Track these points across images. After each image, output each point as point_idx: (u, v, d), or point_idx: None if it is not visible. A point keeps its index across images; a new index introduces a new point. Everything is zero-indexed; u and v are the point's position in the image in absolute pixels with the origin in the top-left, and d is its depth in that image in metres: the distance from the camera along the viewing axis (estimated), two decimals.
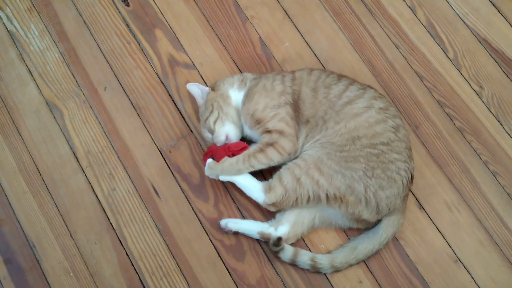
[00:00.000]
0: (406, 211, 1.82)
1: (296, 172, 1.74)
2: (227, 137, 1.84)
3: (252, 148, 1.80)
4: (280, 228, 1.79)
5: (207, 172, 1.82)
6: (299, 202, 1.75)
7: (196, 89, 1.90)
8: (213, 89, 1.89)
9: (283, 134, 1.79)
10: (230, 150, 1.79)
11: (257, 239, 1.82)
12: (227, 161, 1.80)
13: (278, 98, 1.82)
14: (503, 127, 1.96)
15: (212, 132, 1.85)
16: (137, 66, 2.06)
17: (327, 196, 1.73)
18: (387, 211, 1.75)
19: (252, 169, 1.80)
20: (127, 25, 2.12)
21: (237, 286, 1.79)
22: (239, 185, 1.82)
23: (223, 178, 1.81)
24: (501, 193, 1.88)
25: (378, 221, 1.79)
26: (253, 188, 1.80)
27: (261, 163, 1.79)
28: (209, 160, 1.82)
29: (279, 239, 1.74)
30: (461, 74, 2.04)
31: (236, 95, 1.88)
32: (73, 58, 2.08)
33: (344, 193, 1.72)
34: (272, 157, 1.78)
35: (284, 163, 1.80)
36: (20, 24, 2.13)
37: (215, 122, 1.84)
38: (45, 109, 2.01)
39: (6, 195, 1.91)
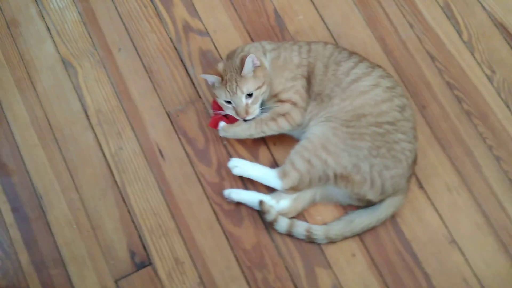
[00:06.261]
0: (408, 192, 1.83)
1: (306, 155, 1.76)
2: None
3: (265, 115, 1.84)
4: (282, 201, 1.81)
5: (221, 133, 1.87)
6: (313, 182, 1.78)
7: (250, 62, 1.77)
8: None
9: (295, 105, 1.82)
10: None
11: None
12: (241, 125, 1.84)
13: (295, 70, 1.84)
14: (511, 113, 1.95)
15: (253, 100, 1.80)
16: (152, 30, 2.10)
17: (335, 175, 1.75)
18: (391, 191, 1.76)
19: (263, 135, 1.85)
20: None
21: (232, 250, 1.83)
22: (254, 178, 1.86)
23: (237, 172, 1.84)
24: (503, 178, 1.88)
25: (379, 200, 1.80)
26: (268, 177, 1.83)
27: (271, 130, 1.83)
28: (222, 123, 1.86)
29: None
30: (474, 57, 2.02)
31: None
32: (90, 18, 2.12)
33: (350, 172, 1.74)
34: (282, 126, 1.82)
35: (292, 133, 1.86)
36: None
37: (262, 94, 1.82)
38: (60, 67, 2.07)
39: (18, 147, 1.98)
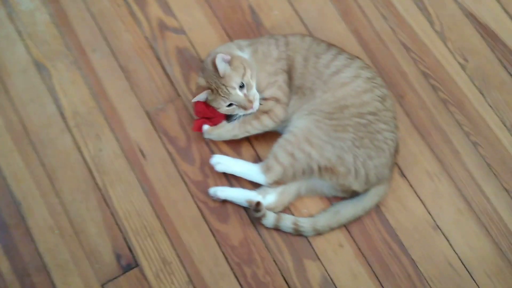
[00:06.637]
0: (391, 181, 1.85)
1: (289, 148, 1.77)
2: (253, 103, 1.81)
3: (248, 115, 1.83)
4: (268, 196, 1.81)
5: (205, 136, 1.87)
6: (297, 175, 1.79)
7: (220, 61, 1.76)
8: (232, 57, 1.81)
9: (278, 102, 1.82)
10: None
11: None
12: (225, 126, 1.84)
13: (276, 64, 1.84)
14: (486, 100, 2.00)
15: (248, 87, 1.78)
16: (127, 29, 2.07)
17: (319, 167, 1.76)
18: (375, 181, 1.79)
19: (247, 135, 1.85)
20: None
21: (220, 247, 1.82)
22: (238, 174, 1.85)
23: (220, 168, 1.84)
24: (481, 163, 1.92)
25: (364, 190, 1.82)
26: (251, 172, 1.83)
27: (256, 129, 1.84)
28: (206, 126, 1.86)
29: (258, 203, 1.77)
30: (447, 46, 2.07)
31: None
32: (62, 20, 2.07)
33: (334, 163, 1.75)
34: (266, 124, 1.83)
35: (275, 129, 1.86)
36: None
37: (251, 78, 1.80)
38: (33, 69, 2.01)
39: None
